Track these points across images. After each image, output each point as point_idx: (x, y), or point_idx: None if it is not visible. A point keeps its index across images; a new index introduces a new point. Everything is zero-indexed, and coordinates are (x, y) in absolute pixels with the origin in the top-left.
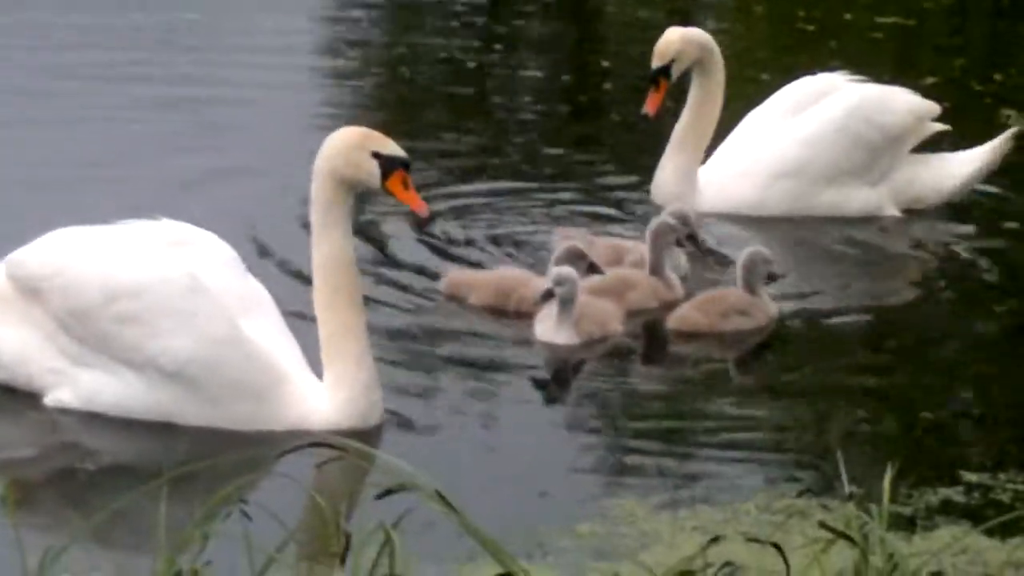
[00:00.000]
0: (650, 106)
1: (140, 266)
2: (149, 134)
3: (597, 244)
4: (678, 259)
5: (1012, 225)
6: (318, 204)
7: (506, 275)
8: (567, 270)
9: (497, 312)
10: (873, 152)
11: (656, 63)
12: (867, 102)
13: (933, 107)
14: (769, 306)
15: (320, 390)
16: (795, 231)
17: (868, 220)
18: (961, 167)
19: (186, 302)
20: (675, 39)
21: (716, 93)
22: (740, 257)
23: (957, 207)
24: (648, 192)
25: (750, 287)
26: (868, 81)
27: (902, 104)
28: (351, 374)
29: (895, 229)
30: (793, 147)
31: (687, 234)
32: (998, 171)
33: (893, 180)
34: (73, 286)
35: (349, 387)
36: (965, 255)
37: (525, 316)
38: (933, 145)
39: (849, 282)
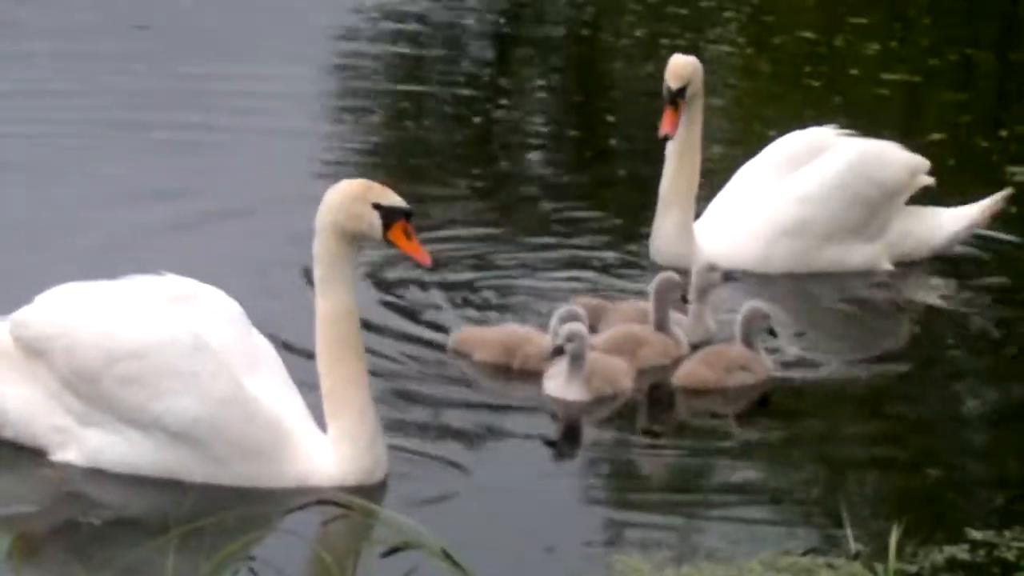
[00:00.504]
0: (669, 127)
1: (143, 326)
2: (149, 180)
3: (619, 306)
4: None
5: (999, 280)
6: (321, 258)
7: (512, 332)
8: (577, 326)
9: (502, 369)
10: (871, 208)
11: (674, 84)
12: (865, 158)
13: (924, 162)
14: (766, 361)
15: (324, 446)
16: (794, 287)
17: (863, 275)
18: (951, 223)
19: (190, 362)
20: (690, 61)
21: (698, 135)
22: (739, 312)
23: (944, 260)
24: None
25: (748, 342)
26: (857, 135)
27: (897, 160)
28: (355, 429)
29: (890, 284)
30: (795, 205)
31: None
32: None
33: (888, 235)
34: (77, 347)
35: (353, 443)
36: (962, 310)
37: (530, 374)
38: (917, 199)
39: (851, 339)
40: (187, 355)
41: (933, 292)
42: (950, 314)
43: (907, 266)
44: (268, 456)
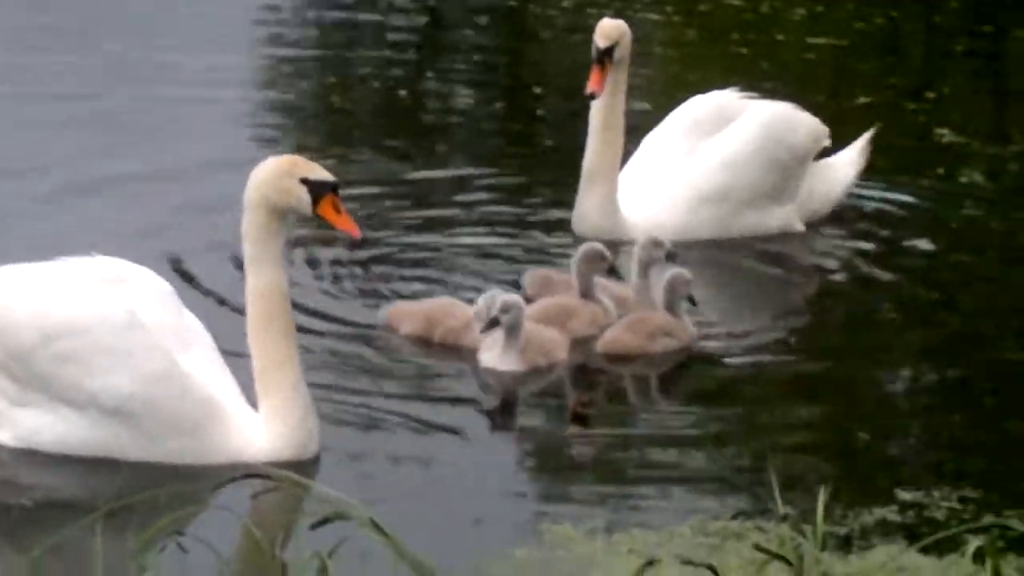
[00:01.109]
0: (596, 84)
1: (77, 305)
2: (73, 149)
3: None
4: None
5: (907, 235)
6: (250, 235)
7: (434, 305)
8: (513, 297)
9: (426, 342)
10: (786, 171)
11: (602, 43)
12: (777, 122)
13: (824, 127)
14: (689, 327)
15: (257, 422)
16: (715, 254)
17: (779, 238)
18: (843, 173)
19: (124, 339)
20: (619, 23)
21: (622, 105)
22: (662, 279)
23: (841, 216)
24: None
25: (671, 308)
26: (758, 97)
27: (804, 122)
28: (287, 405)
29: (804, 245)
30: (716, 172)
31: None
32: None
33: (798, 195)
34: (10, 328)
35: (285, 418)
36: (879, 270)
37: (452, 347)
38: None
39: (775, 302)
40: (121, 332)
41: (846, 251)
42: (868, 274)
43: (816, 225)
44: (202, 432)
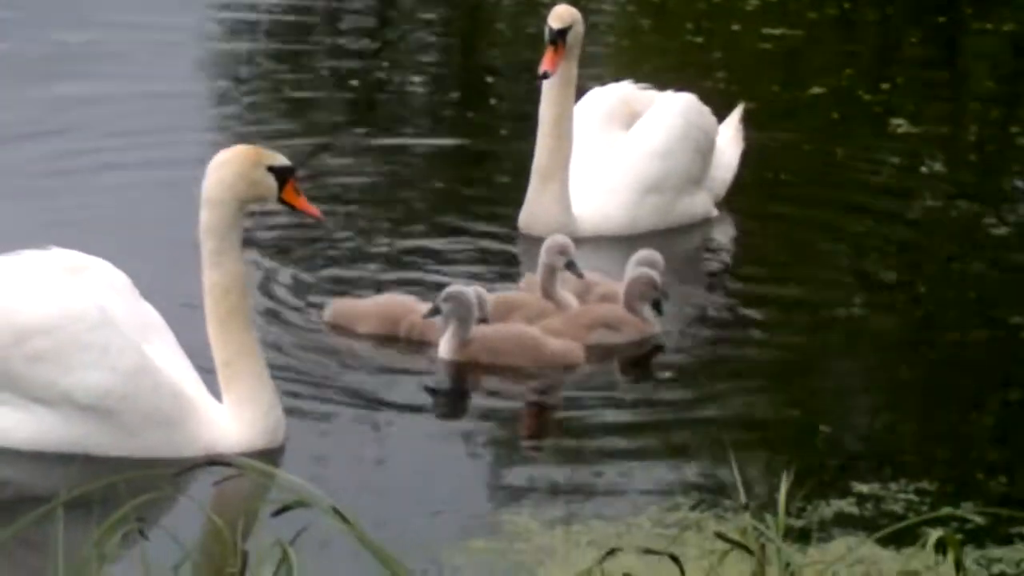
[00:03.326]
0: (550, 64)
1: (49, 302)
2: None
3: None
4: (562, 296)
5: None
6: (213, 230)
7: (393, 302)
8: (457, 288)
9: (387, 340)
10: (704, 157)
11: (556, 24)
12: (693, 110)
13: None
14: (647, 324)
15: (224, 413)
16: (658, 244)
17: (700, 225)
18: (729, 153)
19: (98, 335)
20: (573, 10)
21: (572, 100)
22: (627, 275)
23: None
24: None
25: (631, 306)
26: (652, 88)
27: (708, 110)
28: (254, 395)
29: (724, 229)
30: (652, 161)
31: (567, 262)
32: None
33: (709, 181)
34: None
35: (253, 409)
36: (839, 262)
37: (416, 342)
38: None
39: (728, 291)
40: (95, 328)
41: (759, 236)
42: (811, 258)
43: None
44: (176, 426)
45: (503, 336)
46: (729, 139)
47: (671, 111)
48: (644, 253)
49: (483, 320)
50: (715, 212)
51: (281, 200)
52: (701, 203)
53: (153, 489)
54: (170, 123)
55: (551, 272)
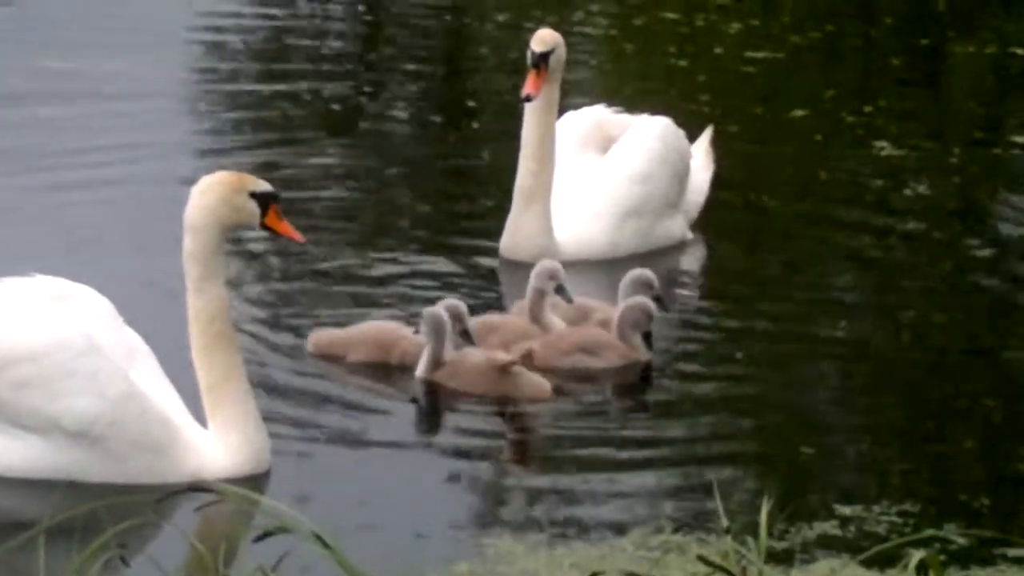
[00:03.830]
0: (533, 88)
1: (35, 329)
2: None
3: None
4: (549, 320)
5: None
6: (198, 257)
7: (383, 329)
8: (430, 310)
9: (377, 367)
10: (682, 181)
11: (539, 48)
12: (669, 132)
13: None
14: (633, 351)
15: (210, 439)
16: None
17: (676, 248)
18: (699, 179)
19: (85, 363)
20: (555, 33)
21: (554, 122)
22: (621, 296)
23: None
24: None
25: (622, 333)
26: (624, 111)
27: (683, 134)
28: (240, 420)
29: (700, 252)
30: (632, 186)
31: (556, 286)
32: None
33: (684, 204)
34: None
35: (240, 433)
36: (824, 282)
37: (409, 369)
38: None
39: (711, 314)
40: (82, 355)
41: (740, 259)
42: (813, 287)
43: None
44: (163, 452)
45: (471, 365)
46: (700, 163)
47: (649, 135)
48: (637, 273)
49: (464, 332)
50: (691, 235)
51: (264, 226)
52: (679, 226)
53: (135, 515)
54: (146, 142)
55: (540, 296)
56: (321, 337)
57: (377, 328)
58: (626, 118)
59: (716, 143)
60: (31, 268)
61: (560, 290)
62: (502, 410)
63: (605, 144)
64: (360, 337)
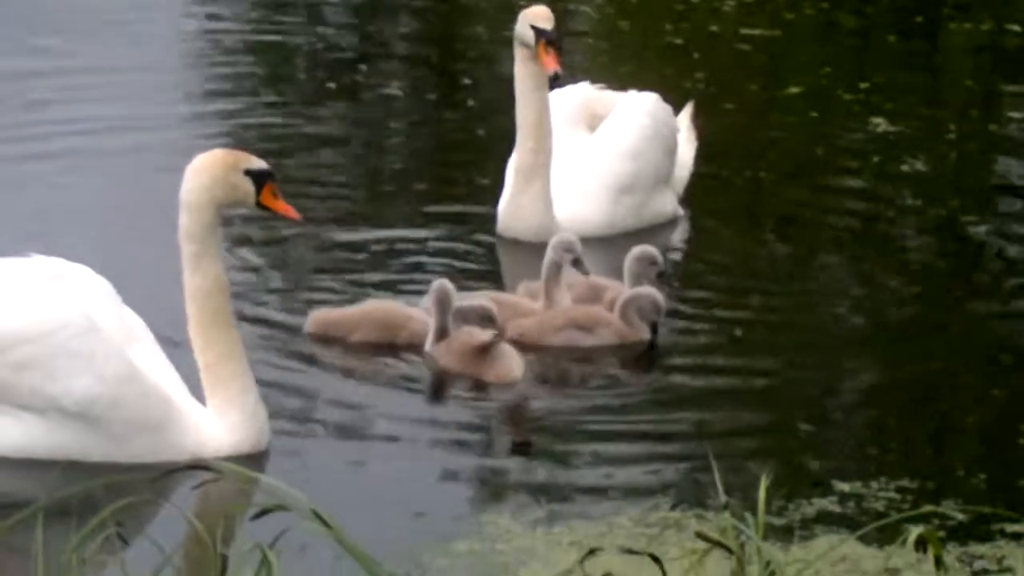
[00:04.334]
0: (557, 64)
1: (34, 310)
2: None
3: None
4: (561, 299)
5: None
6: (194, 234)
7: (389, 310)
8: (440, 283)
9: (371, 346)
10: (672, 156)
11: (548, 25)
12: (660, 109)
13: None
14: (631, 330)
15: (210, 418)
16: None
17: (669, 224)
18: (686, 152)
19: (85, 343)
20: (546, 8)
21: (549, 102)
22: (626, 272)
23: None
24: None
25: (624, 313)
26: (608, 88)
27: (669, 107)
28: (239, 398)
29: (696, 229)
30: (626, 162)
31: (573, 259)
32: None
33: (673, 180)
34: None
35: (239, 412)
36: (819, 259)
37: (416, 349)
38: None
39: (707, 289)
40: (82, 336)
41: (735, 236)
42: (811, 263)
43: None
44: (164, 431)
45: (456, 343)
46: (684, 137)
47: (639, 111)
48: (640, 249)
49: (577, 261)
50: (681, 211)
51: (259, 204)
52: (670, 202)
53: (132, 493)
54: (142, 119)
55: (557, 270)
56: (319, 317)
57: (383, 309)
58: (613, 95)
59: (697, 117)
60: (27, 247)
61: (577, 263)
62: (500, 388)
63: (592, 121)
64: (363, 318)
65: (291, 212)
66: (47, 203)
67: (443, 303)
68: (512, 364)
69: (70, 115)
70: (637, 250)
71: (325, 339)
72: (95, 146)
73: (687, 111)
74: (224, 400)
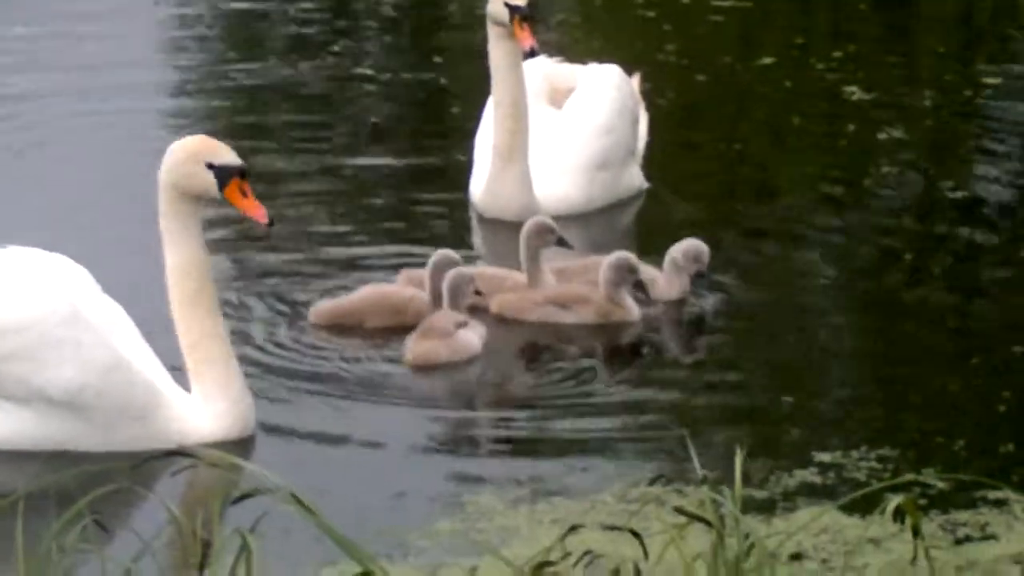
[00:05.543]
0: (532, 39)
1: (18, 300)
2: None
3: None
4: (546, 279)
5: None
6: (166, 215)
7: (389, 292)
8: (444, 252)
9: (392, 330)
10: (636, 127)
11: (523, 3)
12: (623, 82)
13: None
14: (618, 309)
15: (194, 404)
16: (603, 221)
17: (636, 198)
18: (643, 122)
19: (69, 333)
20: None
21: (524, 81)
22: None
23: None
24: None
25: (609, 291)
26: (563, 61)
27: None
28: (224, 384)
29: (674, 201)
30: (597, 137)
31: (557, 239)
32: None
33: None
34: None
35: (224, 397)
36: (800, 230)
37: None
38: None
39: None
40: (67, 325)
41: (724, 207)
42: (791, 233)
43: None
44: (150, 418)
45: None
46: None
47: (606, 85)
48: (688, 243)
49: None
50: (647, 184)
51: (224, 198)
52: (637, 175)
53: (111, 480)
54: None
55: (534, 255)
56: (322, 309)
57: (382, 293)
58: (570, 68)
59: (645, 87)
60: (4, 239)
61: (561, 242)
62: (482, 368)
63: (553, 96)
64: (365, 304)
65: (256, 211)
66: (22, 195)
67: (438, 270)
68: (465, 344)
69: (45, 107)
70: (613, 257)
71: (330, 329)
72: (71, 138)
73: (635, 81)
74: (209, 386)
